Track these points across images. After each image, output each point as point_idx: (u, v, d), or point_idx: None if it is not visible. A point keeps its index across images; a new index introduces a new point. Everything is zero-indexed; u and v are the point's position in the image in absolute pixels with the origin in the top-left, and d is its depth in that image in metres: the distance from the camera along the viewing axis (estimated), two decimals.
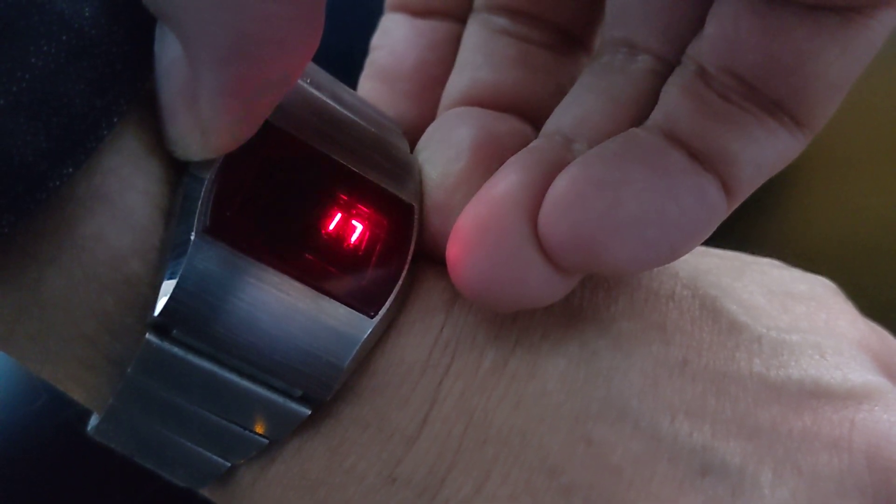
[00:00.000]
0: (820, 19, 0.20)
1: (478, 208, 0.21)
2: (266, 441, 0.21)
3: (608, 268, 0.21)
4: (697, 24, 0.22)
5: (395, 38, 0.27)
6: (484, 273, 0.21)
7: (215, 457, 0.22)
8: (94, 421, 0.22)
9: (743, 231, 0.22)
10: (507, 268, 0.21)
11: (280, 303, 0.20)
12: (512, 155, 0.22)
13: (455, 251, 0.21)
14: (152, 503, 0.26)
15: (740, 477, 0.21)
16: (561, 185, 0.20)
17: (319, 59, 0.23)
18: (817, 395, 0.23)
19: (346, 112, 0.24)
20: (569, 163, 0.21)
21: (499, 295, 0.21)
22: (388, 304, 0.21)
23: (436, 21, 0.27)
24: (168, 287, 0.20)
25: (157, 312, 0.20)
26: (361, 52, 0.27)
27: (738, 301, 0.24)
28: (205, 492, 0.24)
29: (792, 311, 0.25)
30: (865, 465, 0.22)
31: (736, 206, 0.22)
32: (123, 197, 0.20)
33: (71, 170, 0.19)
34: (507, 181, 0.21)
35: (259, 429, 0.21)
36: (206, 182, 0.20)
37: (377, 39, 0.27)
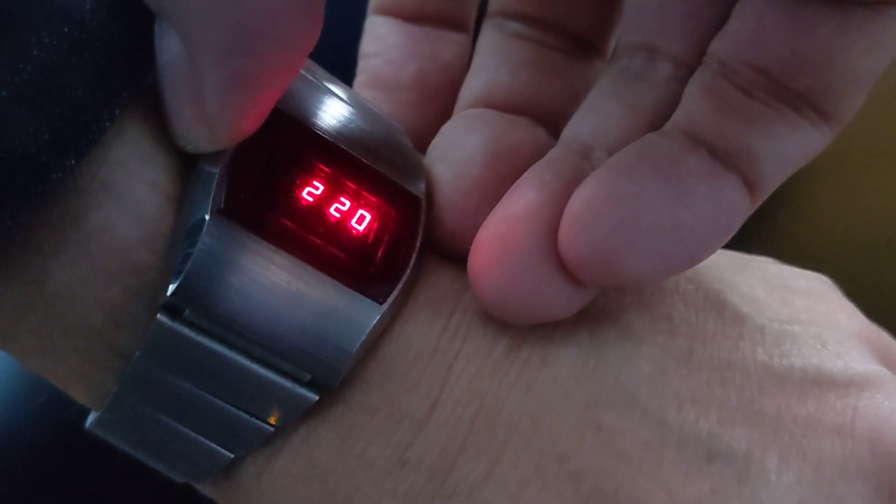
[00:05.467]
0: (848, 12, 0.20)
1: (498, 225, 0.22)
2: (272, 429, 0.21)
3: (627, 280, 0.21)
4: (718, 24, 0.22)
5: (390, 46, 0.27)
6: (504, 289, 0.21)
7: (219, 447, 0.22)
8: (93, 416, 0.22)
9: (749, 229, 0.22)
10: (528, 285, 0.21)
11: (292, 286, 0.20)
12: (526, 159, 0.23)
13: (476, 267, 0.21)
14: (153, 502, 0.25)
15: (746, 463, 0.21)
16: (577, 202, 0.21)
17: (316, 59, 0.23)
18: (820, 383, 0.23)
19: (351, 107, 0.24)
20: (587, 174, 0.22)
21: (519, 310, 0.21)
22: (396, 291, 0.21)
23: (431, 29, 0.27)
24: (182, 268, 0.20)
25: (170, 292, 0.20)
26: (352, 51, 0.27)
27: (741, 294, 0.24)
28: (207, 490, 0.23)
29: (792, 304, 0.25)
30: (868, 451, 0.22)
31: (760, 202, 0.22)
32: (130, 188, 0.20)
33: (73, 161, 0.19)
34: (525, 198, 0.22)
35: (266, 415, 0.21)
36: (219, 167, 0.20)
37: (369, 45, 0.27)
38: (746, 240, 0.26)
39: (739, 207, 0.22)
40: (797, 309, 0.25)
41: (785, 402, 0.22)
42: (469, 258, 0.22)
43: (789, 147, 0.22)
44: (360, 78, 0.27)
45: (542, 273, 0.21)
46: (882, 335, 0.26)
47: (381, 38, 0.27)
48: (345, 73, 0.27)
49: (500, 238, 0.21)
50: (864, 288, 0.28)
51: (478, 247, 0.22)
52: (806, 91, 0.21)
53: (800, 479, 0.22)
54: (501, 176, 0.23)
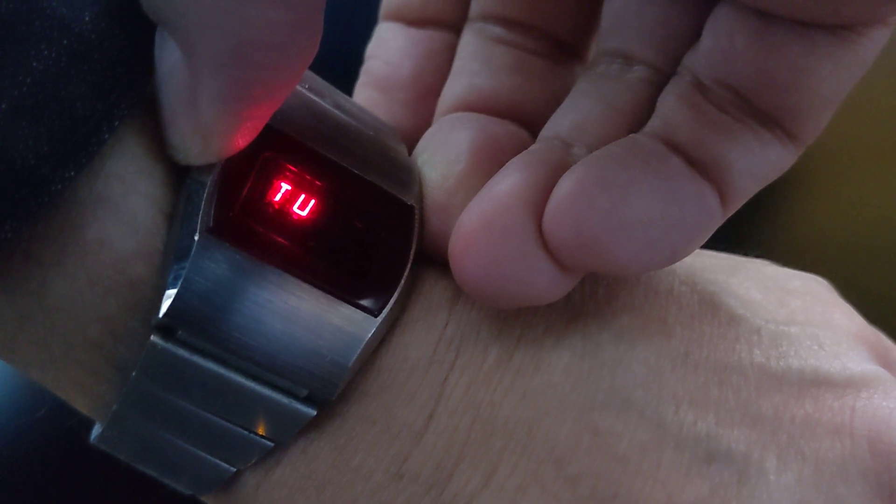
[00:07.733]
0: (813, 36, 0.21)
1: (482, 205, 0.21)
2: (271, 444, 0.21)
3: (611, 267, 0.21)
4: (692, 36, 0.23)
5: (390, 48, 0.27)
6: (487, 269, 0.21)
7: (220, 462, 0.22)
8: (97, 430, 0.22)
9: (744, 231, 0.23)
10: (511, 264, 0.21)
11: (284, 302, 0.20)
12: (510, 158, 0.23)
13: (458, 247, 0.21)
14: None
15: (745, 463, 0.22)
16: (567, 184, 0.21)
17: (317, 64, 0.23)
18: (818, 383, 0.23)
19: (344, 116, 0.24)
20: (569, 165, 0.22)
21: (501, 291, 0.21)
22: (391, 302, 0.21)
23: (431, 30, 0.27)
24: (173, 288, 0.20)
25: (161, 313, 0.20)
26: (359, 56, 0.28)
27: (736, 296, 0.24)
28: (208, 499, 0.24)
29: (788, 305, 0.25)
30: (867, 450, 0.22)
31: (730, 214, 0.23)
32: (127, 200, 0.20)
33: (73, 173, 0.19)
34: (511, 179, 0.21)
35: (264, 431, 0.21)
36: (208, 184, 0.20)
37: (373, 48, 0.27)
38: (742, 242, 0.26)
39: (716, 213, 0.22)
40: (793, 310, 0.25)
41: (783, 403, 0.22)
42: (451, 240, 0.22)
43: (761, 162, 0.22)
44: (361, 79, 0.27)
45: (526, 254, 0.21)
46: (879, 336, 0.26)
47: (383, 42, 0.27)
48: (348, 77, 0.27)
49: (484, 218, 0.21)
50: (860, 289, 0.28)
51: (461, 227, 0.21)
52: (773, 110, 0.22)
53: (799, 480, 0.22)
54: (487, 175, 0.23)
